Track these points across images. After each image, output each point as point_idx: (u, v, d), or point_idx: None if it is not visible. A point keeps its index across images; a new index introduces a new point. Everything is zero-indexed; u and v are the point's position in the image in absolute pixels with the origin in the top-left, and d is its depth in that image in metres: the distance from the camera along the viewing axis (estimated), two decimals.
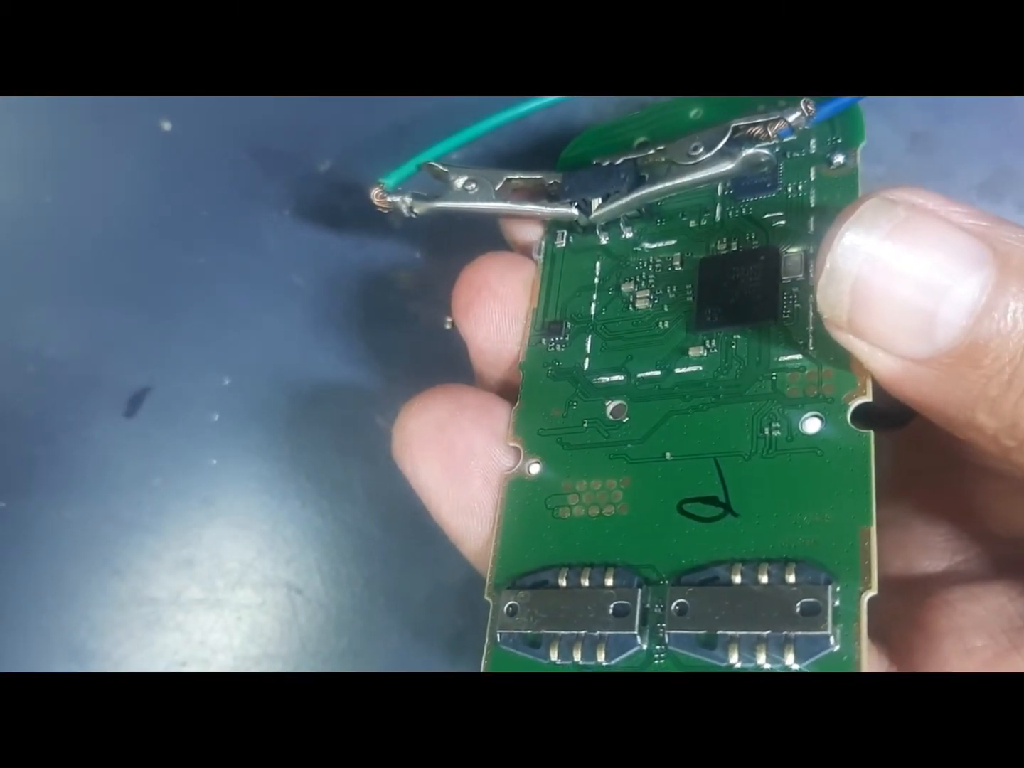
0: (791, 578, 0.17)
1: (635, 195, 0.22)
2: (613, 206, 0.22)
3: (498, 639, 0.19)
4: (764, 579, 0.17)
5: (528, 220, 0.24)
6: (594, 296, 0.22)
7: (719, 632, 0.17)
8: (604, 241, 0.23)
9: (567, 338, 0.22)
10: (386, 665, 0.29)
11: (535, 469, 0.21)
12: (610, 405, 0.21)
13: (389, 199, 0.24)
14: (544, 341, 0.22)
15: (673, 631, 0.17)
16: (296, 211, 0.31)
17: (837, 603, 0.16)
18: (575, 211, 0.23)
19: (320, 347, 0.30)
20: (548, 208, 0.23)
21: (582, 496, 0.20)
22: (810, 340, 0.19)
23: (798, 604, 0.16)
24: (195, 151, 0.32)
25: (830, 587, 0.16)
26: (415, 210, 0.24)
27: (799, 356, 0.19)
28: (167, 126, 0.32)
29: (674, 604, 0.17)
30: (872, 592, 0.16)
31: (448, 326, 0.30)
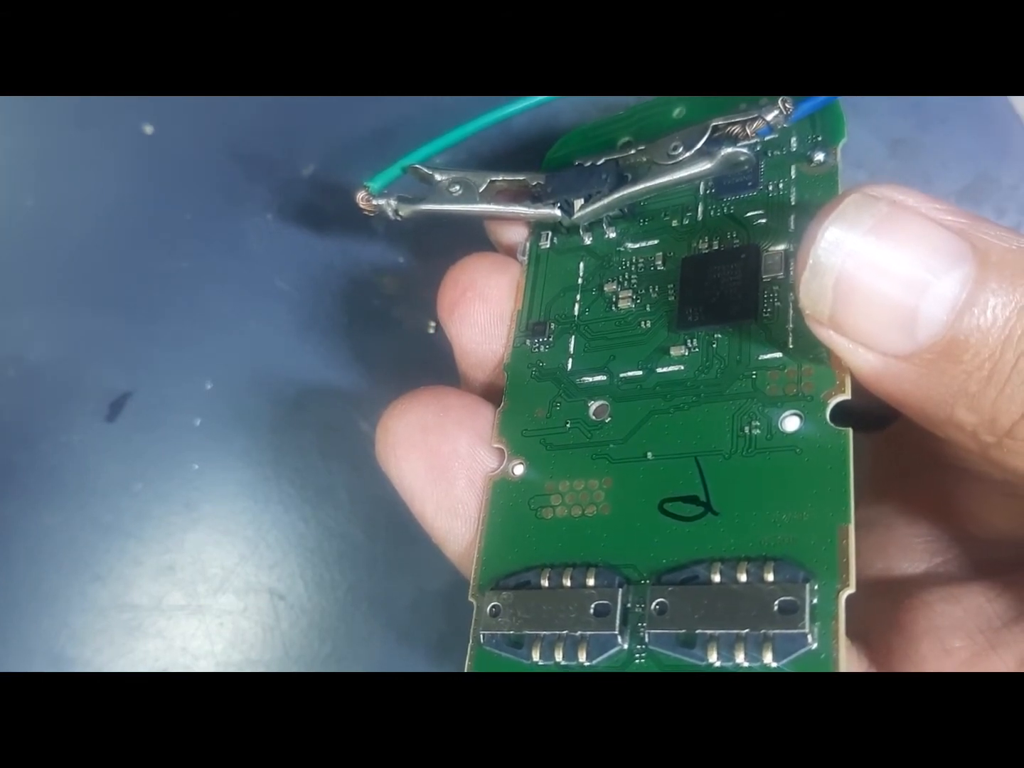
0: (769, 576, 0.17)
1: (617, 195, 0.22)
2: (595, 206, 0.22)
3: (481, 640, 0.19)
4: (743, 578, 0.17)
5: (513, 221, 0.24)
6: (578, 297, 0.22)
7: (698, 631, 0.17)
8: (588, 241, 0.23)
9: (551, 339, 0.22)
10: (369, 670, 0.28)
11: (519, 470, 0.21)
12: (593, 405, 0.21)
13: (374, 202, 0.24)
14: (528, 342, 0.22)
15: (653, 630, 0.17)
16: (280, 215, 0.31)
17: (815, 601, 0.16)
18: (558, 212, 0.23)
19: (303, 351, 0.30)
20: (531, 209, 0.23)
21: (565, 496, 0.20)
22: (790, 338, 0.19)
23: (776, 602, 0.16)
24: (178, 155, 0.32)
25: (808, 585, 0.16)
26: (400, 212, 0.24)
27: (779, 354, 0.19)
28: (149, 130, 0.32)
29: (654, 603, 0.17)
30: (850, 590, 0.16)
31: (432, 330, 0.30)
